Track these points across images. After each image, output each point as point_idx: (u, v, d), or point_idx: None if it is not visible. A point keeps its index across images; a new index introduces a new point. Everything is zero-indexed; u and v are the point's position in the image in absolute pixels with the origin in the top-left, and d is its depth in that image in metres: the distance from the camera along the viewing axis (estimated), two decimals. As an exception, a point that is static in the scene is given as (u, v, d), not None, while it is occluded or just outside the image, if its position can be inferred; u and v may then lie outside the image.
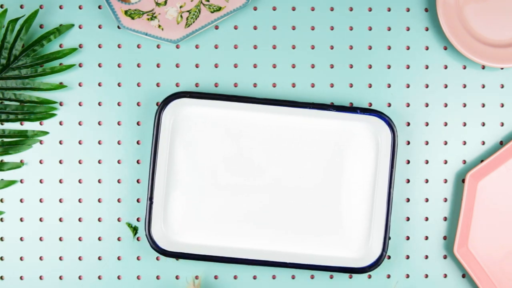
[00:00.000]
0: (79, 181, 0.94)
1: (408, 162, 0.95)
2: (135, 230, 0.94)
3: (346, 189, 0.93)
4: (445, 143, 0.96)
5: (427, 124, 0.96)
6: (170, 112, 0.92)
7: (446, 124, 0.96)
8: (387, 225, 0.91)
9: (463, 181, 0.96)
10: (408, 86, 0.95)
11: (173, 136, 0.93)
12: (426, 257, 0.95)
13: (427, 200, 0.95)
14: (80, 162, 0.94)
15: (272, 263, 0.91)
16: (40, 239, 0.94)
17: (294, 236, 0.93)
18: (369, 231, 0.93)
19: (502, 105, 0.96)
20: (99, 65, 0.95)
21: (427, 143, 0.95)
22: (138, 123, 0.95)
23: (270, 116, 0.93)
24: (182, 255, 0.91)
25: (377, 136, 0.93)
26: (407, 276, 0.95)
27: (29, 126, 0.94)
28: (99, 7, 0.95)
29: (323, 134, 0.93)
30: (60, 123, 0.94)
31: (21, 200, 0.94)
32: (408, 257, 0.95)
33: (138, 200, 0.95)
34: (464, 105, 0.96)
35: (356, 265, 0.92)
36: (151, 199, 0.91)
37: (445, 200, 0.96)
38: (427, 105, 0.95)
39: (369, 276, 0.95)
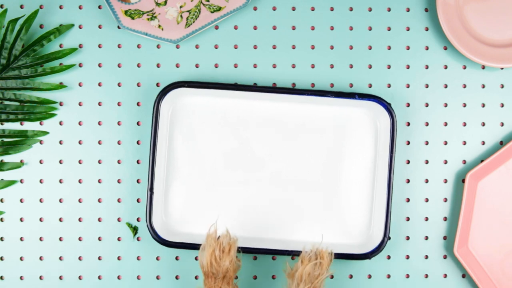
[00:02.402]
0: (79, 181, 0.94)
1: (408, 162, 0.95)
2: (135, 230, 0.94)
3: (347, 175, 0.94)
4: (445, 143, 0.96)
5: (427, 124, 0.96)
6: (169, 102, 0.92)
7: (446, 124, 0.96)
8: (388, 209, 0.91)
9: (463, 181, 0.96)
10: (408, 86, 0.95)
11: (172, 126, 0.93)
12: (426, 257, 0.95)
13: (427, 200, 0.95)
14: (80, 162, 0.94)
15: (274, 251, 0.91)
16: (40, 239, 0.94)
17: (295, 224, 0.93)
18: (370, 217, 0.93)
19: (502, 105, 0.96)
20: (99, 65, 0.95)
21: (427, 143, 0.96)
22: (138, 123, 0.95)
23: (268, 104, 0.93)
24: (183, 245, 0.91)
25: (376, 121, 0.93)
26: (407, 276, 0.95)
27: (29, 126, 0.94)
28: (99, 7, 0.95)
29: (322, 121, 0.93)
30: (60, 123, 0.94)
31: (21, 200, 0.94)
32: (408, 257, 0.95)
33: (138, 200, 0.95)
34: (464, 105, 0.96)
35: (359, 251, 0.92)
36: (151, 189, 0.91)
37: (445, 200, 0.96)
38: (427, 105, 0.95)
39: (369, 276, 0.95)
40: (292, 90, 0.91)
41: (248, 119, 0.93)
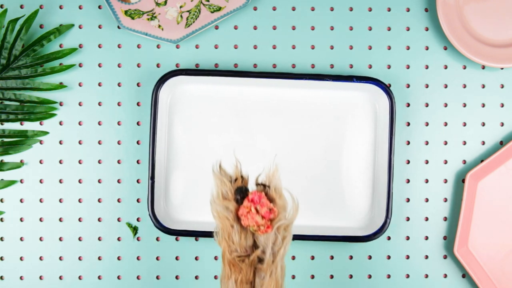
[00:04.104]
0: (79, 181, 0.94)
1: (408, 162, 0.95)
2: (135, 230, 0.94)
3: (348, 158, 0.94)
4: (445, 143, 0.96)
5: (427, 124, 0.96)
6: (167, 90, 0.92)
7: (446, 124, 0.96)
8: (389, 190, 0.91)
9: (463, 181, 0.96)
10: (408, 86, 0.95)
11: (171, 115, 0.93)
12: (426, 257, 0.95)
13: (427, 200, 0.95)
14: (80, 162, 0.94)
15: None
16: (40, 239, 0.94)
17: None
18: (372, 199, 0.94)
19: (502, 105, 0.96)
20: (99, 65, 0.95)
21: (427, 143, 0.96)
22: (138, 123, 0.95)
23: (267, 90, 0.94)
24: (185, 232, 0.91)
25: (375, 103, 0.94)
26: (407, 276, 0.95)
27: (29, 126, 0.94)
28: (99, 7, 0.95)
29: (322, 105, 0.94)
30: (60, 123, 0.94)
31: (21, 200, 0.94)
32: (408, 257, 0.95)
33: (138, 200, 0.95)
34: (464, 105, 0.96)
35: (362, 234, 0.92)
36: (152, 178, 0.91)
37: (445, 200, 0.96)
38: (427, 105, 0.95)
39: (369, 276, 0.95)
40: (290, 75, 0.92)
41: (247, 106, 0.94)
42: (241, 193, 0.73)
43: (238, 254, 0.73)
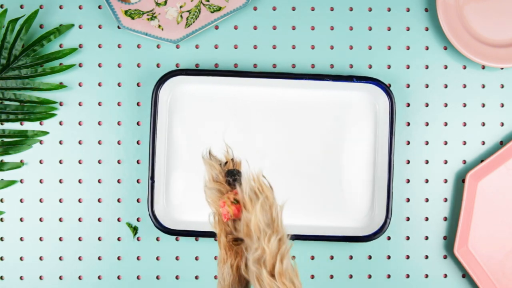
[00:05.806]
0: (79, 181, 0.94)
1: (408, 162, 0.95)
2: (135, 230, 0.94)
3: (348, 158, 0.94)
4: (445, 143, 0.96)
5: (427, 124, 0.96)
6: (167, 90, 0.92)
7: (446, 124, 0.96)
8: (389, 190, 0.91)
9: (463, 181, 0.96)
10: (408, 86, 0.95)
11: (171, 115, 0.93)
12: (426, 257, 0.95)
13: (427, 200, 0.95)
14: (80, 162, 0.94)
15: None
16: (40, 239, 0.94)
17: (297, 208, 0.93)
18: (372, 199, 0.94)
19: (502, 105, 0.96)
20: (99, 65, 0.95)
21: (427, 143, 0.96)
22: (138, 123, 0.95)
23: (268, 90, 0.94)
24: (185, 232, 0.91)
25: (375, 103, 0.94)
26: (407, 276, 0.95)
27: (29, 126, 0.94)
28: (99, 7, 0.95)
29: (322, 105, 0.94)
30: (60, 123, 0.94)
31: (21, 200, 0.94)
32: (408, 257, 0.95)
33: (138, 200, 0.95)
34: (464, 105, 0.96)
35: (362, 234, 0.92)
36: (152, 178, 0.91)
37: (445, 200, 0.96)
38: (427, 105, 0.95)
39: (369, 276, 0.95)
40: (290, 75, 0.92)
41: (247, 106, 0.94)
42: (233, 175, 0.72)
43: (233, 236, 0.72)
